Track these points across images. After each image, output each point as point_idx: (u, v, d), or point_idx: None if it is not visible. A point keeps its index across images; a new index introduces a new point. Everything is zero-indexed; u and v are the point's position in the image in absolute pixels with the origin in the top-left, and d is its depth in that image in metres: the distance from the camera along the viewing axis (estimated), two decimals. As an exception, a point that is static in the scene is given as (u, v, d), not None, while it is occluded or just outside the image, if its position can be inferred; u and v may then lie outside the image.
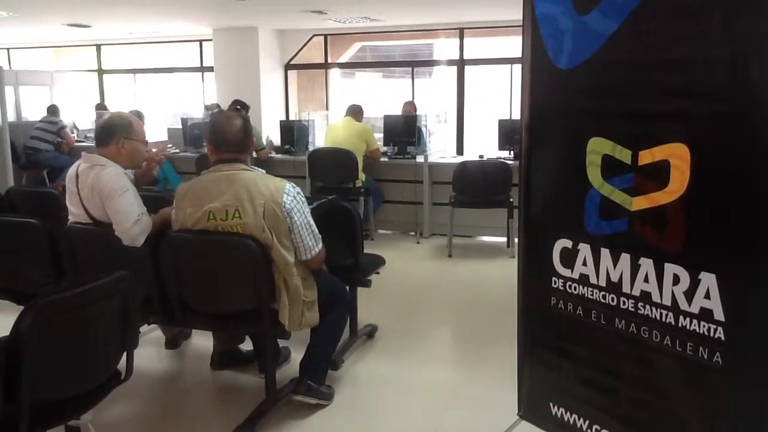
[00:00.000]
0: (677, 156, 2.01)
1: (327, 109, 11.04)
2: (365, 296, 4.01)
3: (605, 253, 2.29)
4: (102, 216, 3.04)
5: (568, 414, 2.52)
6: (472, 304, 4.94)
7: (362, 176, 6.59)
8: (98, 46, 12.65)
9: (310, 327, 3.07)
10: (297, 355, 3.62)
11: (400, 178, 7.08)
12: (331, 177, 6.63)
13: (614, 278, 2.26)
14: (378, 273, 3.91)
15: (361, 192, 6.54)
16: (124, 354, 2.42)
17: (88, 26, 10.18)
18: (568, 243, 2.43)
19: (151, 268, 3.01)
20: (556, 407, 2.57)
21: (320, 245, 3.01)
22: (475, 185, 6.04)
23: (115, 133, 3.15)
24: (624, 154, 2.19)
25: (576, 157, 2.35)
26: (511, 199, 5.96)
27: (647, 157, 2.11)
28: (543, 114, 2.55)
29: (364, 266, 3.73)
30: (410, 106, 8.24)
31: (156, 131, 9.17)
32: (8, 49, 13.44)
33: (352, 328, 3.94)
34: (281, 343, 3.58)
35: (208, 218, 2.87)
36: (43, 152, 9.51)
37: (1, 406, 1.89)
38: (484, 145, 9.31)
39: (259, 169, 3.01)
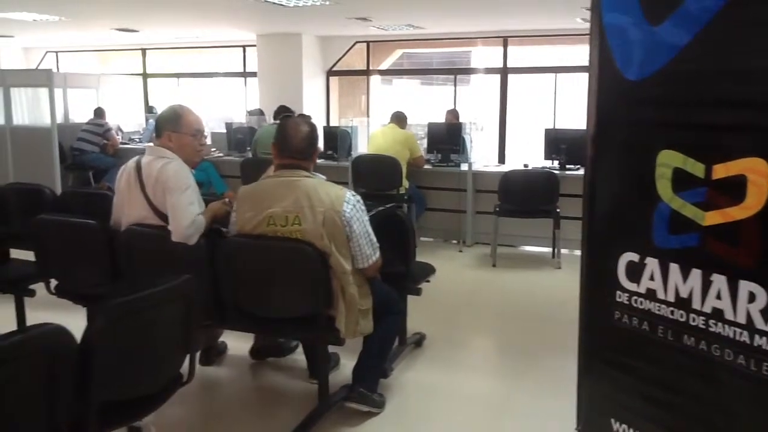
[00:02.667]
0: (755, 171, 1.96)
1: (367, 115, 11.06)
2: (412, 304, 3.99)
3: (674, 268, 2.24)
4: (167, 209, 3.07)
5: (630, 430, 2.47)
6: (519, 314, 4.90)
7: (405, 183, 6.58)
8: (143, 51, 12.88)
9: (364, 335, 3.06)
10: (345, 362, 3.62)
11: (443, 185, 7.05)
12: (375, 184, 6.63)
13: (684, 294, 2.21)
14: (428, 281, 3.89)
15: (405, 199, 6.53)
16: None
17: (136, 31, 10.38)
18: (634, 257, 2.38)
19: (208, 271, 3.03)
20: (617, 423, 2.52)
21: (378, 254, 3.01)
22: (520, 195, 5.99)
23: (163, 126, 3.22)
24: (696, 168, 2.14)
25: (645, 169, 2.31)
26: (558, 210, 5.91)
27: (721, 171, 2.06)
28: (610, 125, 2.50)
29: (414, 274, 3.72)
30: (453, 114, 8.23)
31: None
32: (57, 52, 13.75)
33: (401, 336, 3.92)
34: (330, 348, 3.59)
35: (267, 223, 2.88)
36: (89, 153, 9.70)
37: (73, 405, 1.92)
38: (526, 154, 9.25)
39: (321, 176, 3.01)
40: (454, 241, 7.02)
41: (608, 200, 2.55)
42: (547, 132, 6.92)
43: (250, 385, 3.71)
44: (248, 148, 8.04)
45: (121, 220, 3.27)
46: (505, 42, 9.93)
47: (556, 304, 5.13)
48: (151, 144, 9.47)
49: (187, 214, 2.99)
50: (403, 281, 3.61)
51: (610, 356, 2.56)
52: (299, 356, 3.86)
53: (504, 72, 10.05)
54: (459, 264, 6.12)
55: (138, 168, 3.17)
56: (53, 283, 3.61)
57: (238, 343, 3.97)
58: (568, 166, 6.48)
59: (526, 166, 6.65)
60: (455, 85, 10.91)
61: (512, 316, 4.86)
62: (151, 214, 3.12)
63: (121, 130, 10.73)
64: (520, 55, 10.56)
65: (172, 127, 3.19)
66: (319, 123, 10.14)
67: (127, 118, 11.42)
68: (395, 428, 3.18)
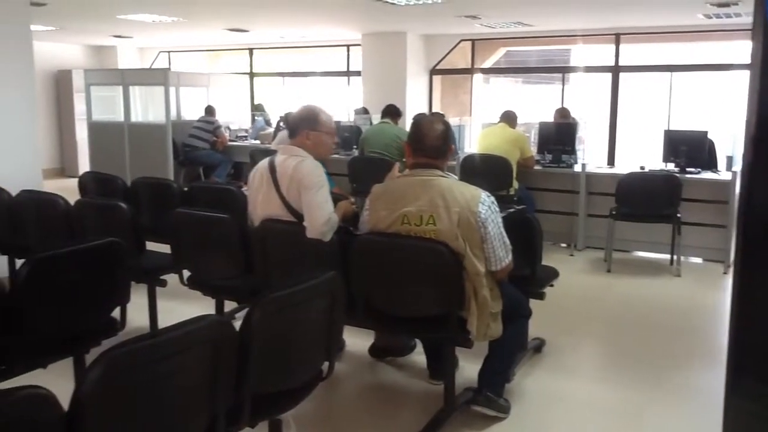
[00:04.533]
0: None
1: (470, 114, 10.95)
2: (530, 308, 3.91)
3: None
4: (301, 207, 3.12)
5: (788, 454, 2.30)
6: (639, 322, 4.72)
7: (515, 184, 6.46)
8: (251, 50, 13.25)
9: (494, 338, 3.00)
10: (463, 363, 3.58)
11: (554, 187, 6.89)
12: (484, 184, 6.43)
13: None
14: (552, 285, 3.80)
15: (514, 200, 6.40)
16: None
17: (246, 31, 10.68)
18: (798, 268, 2.22)
19: (339, 268, 3.05)
20: (772, 445, 2.36)
21: (510, 257, 2.95)
22: (639, 198, 5.76)
23: (300, 125, 3.27)
24: None
25: (815, 175, 2.15)
26: (679, 215, 5.66)
27: None
28: (774, 127, 2.34)
29: (540, 278, 3.64)
30: (562, 113, 8.02)
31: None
32: (169, 52, 14.35)
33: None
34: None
35: (401, 222, 2.88)
36: (200, 150, 10.06)
37: (230, 394, 1.97)
38: (638, 155, 8.92)
39: (453, 176, 2.99)
40: (563, 245, 6.84)
41: (769, 207, 2.39)
42: (667, 133, 6.64)
43: (371, 384, 3.73)
44: (354, 147, 8.12)
45: (253, 216, 3.36)
46: (617, 39, 9.58)
47: (678, 314, 4.91)
48: (258, 142, 9.67)
49: (323, 212, 3.04)
50: (528, 285, 3.53)
51: (765, 374, 2.40)
52: (417, 356, 3.86)
53: (615, 70, 9.70)
54: (572, 268, 5.94)
55: (272, 167, 3.24)
56: (185, 274, 3.75)
57: (355, 340, 3.99)
58: (688, 169, 6.19)
59: (642, 168, 6.39)
60: (563, 84, 10.64)
61: (632, 325, 4.68)
62: (284, 212, 3.18)
63: (228, 128, 11.07)
64: (628, 52, 10.18)
65: (310, 126, 3.25)
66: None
67: (234, 116, 11.78)
68: (521, 435, 3.13)
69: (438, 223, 2.81)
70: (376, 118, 8.07)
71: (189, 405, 1.84)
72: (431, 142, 2.93)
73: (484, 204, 2.85)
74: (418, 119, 3.15)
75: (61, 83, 12.49)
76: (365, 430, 3.24)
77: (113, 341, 1.89)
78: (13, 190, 4.37)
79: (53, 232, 3.99)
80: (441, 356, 3.36)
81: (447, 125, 3.03)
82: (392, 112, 7.60)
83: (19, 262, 4.30)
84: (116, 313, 3.00)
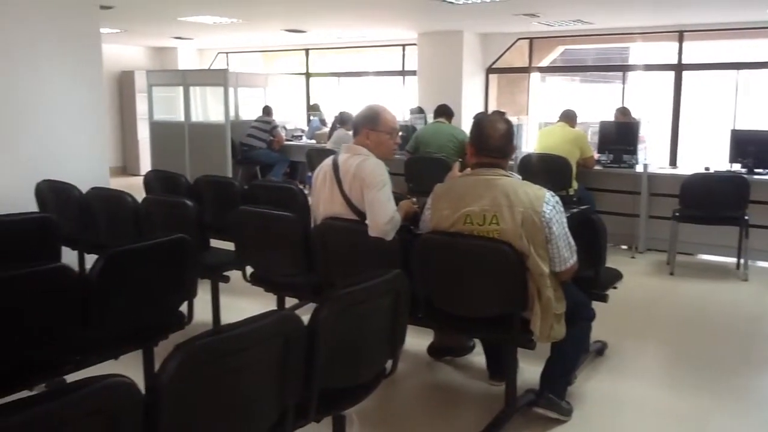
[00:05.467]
0: None
1: (527, 114, 10.82)
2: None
3: None
4: (363, 205, 3.13)
5: None
6: (705, 328, 4.59)
7: (575, 184, 6.36)
8: (307, 51, 13.38)
9: (557, 340, 2.96)
10: (523, 365, 3.53)
11: (614, 187, 6.76)
12: (543, 184, 6.41)
13: None
14: (615, 288, 3.73)
15: (573, 201, 6.30)
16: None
17: (303, 31, 10.79)
18: None
19: (401, 267, 3.05)
20: None
21: (575, 257, 2.90)
22: (705, 199, 5.61)
23: (361, 124, 3.29)
24: None
25: None
26: (746, 217, 5.48)
27: None
28: None
29: (603, 280, 3.57)
30: (623, 112, 7.87)
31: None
32: (227, 53, 14.61)
33: (584, 343, 3.78)
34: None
35: (464, 221, 2.87)
36: (257, 149, 10.22)
37: (298, 388, 2.00)
38: (701, 155, 8.68)
39: (517, 175, 2.96)
40: (624, 247, 6.70)
41: None
42: (734, 133, 6.44)
43: (430, 383, 3.73)
44: (405, 147, 8.08)
45: (316, 215, 3.39)
46: (680, 37, 9.32)
47: (746, 319, 4.76)
48: (314, 141, 9.76)
49: (386, 210, 3.05)
50: (591, 286, 3.47)
51: None
52: (475, 357, 3.84)
53: (679, 68, 9.44)
54: (634, 271, 5.80)
55: (335, 165, 3.26)
56: (248, 270, 3.82)
57: (413, 339, 3.95)
58: (756, 170, 5.99)
59: (707, 169, 6.21)
60: (623, 83, 10.42)
61: (697, 330, 4.55)
62: (346, 210, 3.20)
63: (285, 128, 11.22)
64: (691, 49, 9.90)
65: (371, 125, 3.26)
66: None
67: (290, 116, 11.92)
68: (584, 438, 3.08)
69: (501, 222, 2.79)
70: (432, 118, 8.06)
71: (259, 398, 1.87)
72: (495, 141, 2.91)
73: (549, 204, 2.82)
74: (481, 118, 3.13)
75: (123, 84, 12.86)
76: (425, 429, 3.24)
77: (180, 335, 1.94)
78: (83, 188, 4.52)
79: (122, 228, 4.11)
80: (501, 357, 3.34)
81: (510, 124, 3.01)
82: (446, 112, 7.58)
83: (87, 257, 4.51)
84: (183, 307, 3.08)
